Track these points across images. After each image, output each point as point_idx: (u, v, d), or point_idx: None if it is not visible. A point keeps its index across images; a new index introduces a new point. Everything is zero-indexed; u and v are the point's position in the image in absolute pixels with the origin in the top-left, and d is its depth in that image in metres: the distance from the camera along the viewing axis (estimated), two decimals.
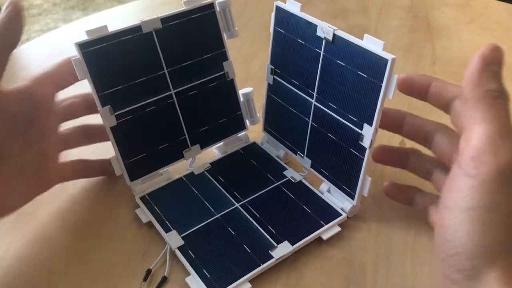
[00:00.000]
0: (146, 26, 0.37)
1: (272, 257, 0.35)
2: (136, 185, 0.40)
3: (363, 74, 0.34)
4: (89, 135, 0.42)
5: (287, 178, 0.41)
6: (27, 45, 0.70)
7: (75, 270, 0.36)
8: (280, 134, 0.44)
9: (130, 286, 0.35)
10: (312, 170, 0.41)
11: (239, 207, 0.39)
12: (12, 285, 0.35)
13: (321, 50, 0.37)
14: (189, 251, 0.35)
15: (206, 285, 0.33)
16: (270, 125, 0.44)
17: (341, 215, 0.38)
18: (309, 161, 0.41)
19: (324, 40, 0.36)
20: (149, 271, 0.35)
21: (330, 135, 0.38)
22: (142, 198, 0.40)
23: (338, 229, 0.37)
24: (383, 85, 0.33)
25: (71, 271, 0.36)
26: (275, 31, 0.40)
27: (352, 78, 0.35)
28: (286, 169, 0.42)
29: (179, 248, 0.36)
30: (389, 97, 0.33)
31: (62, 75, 0.38)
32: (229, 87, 0.42)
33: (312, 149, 0.40)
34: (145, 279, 0.35)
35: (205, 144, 0.43)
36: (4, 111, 0.34)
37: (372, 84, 0.33)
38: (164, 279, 0.35)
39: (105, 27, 0.35)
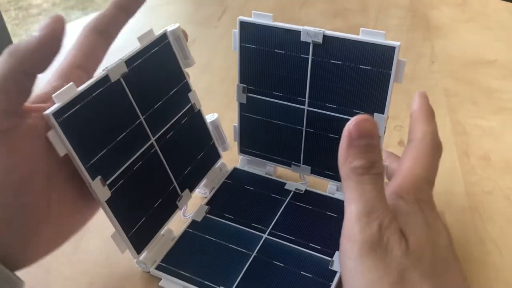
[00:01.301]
0: (113, 73, 0.32)
1: (335, 272, 0.33)
2: (145, 258, 0.35)
3: (366, 67, 0.34)
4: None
5: (292, 192, 0.40)
6: None
7: None
8: (264, 151, 0.42)
9: None
10: (313, 176, 0.40)
11: (268, 236, 0.37)
12: None
13: (308, 55, 0.36)
14: None
15: None
16: (249, 146, 0.42)
17: None
18: (309, 168, 0.40)
19: (311, 44, 0.36)
20: None
21: (332, 135, 0.38)
22: (159, 268, 0.35)
23: None
24: (392, 72, 0.34)
25: None
26: (242, 48, 0.38)
27: (351, 74, 0.35)
28: (285, 183, 0.41)
29: None
30: (399, 82, 0.34)
31: (91, 55, 0.33)
32: (198, 118, 0.40)
33: (310, 155, 0.40)
34: None
35: (192, 186, 0.39)
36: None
37: (379, 74, 0.34)
38: None
39: (72, 86, 0.30)
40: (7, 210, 0.28)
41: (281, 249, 0.36)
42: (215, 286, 0.33)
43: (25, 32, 2.25)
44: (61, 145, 0.29)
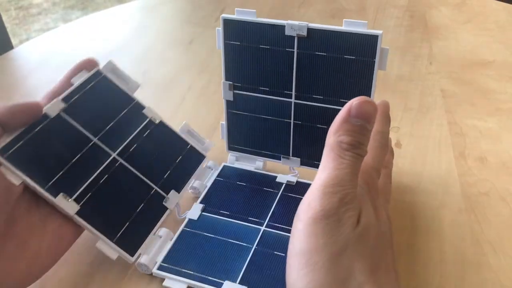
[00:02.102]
0: (51, 111, 0.36)
1: None
2: (145, 260, 0.35)
3: (351, 56, 0.35)
4: None
5: (284, 184, 0.41)
6: (24, 45, 0.70)
7: None
8: (253, 147, 0.42)
9: None
10: (303, 167, 0.41)
11: (266, 228, 0.37)
12: None
13: (293, 48, 0.37)
14: None
15: None
16: (237, 142, 0.43)
17: None
18: (298, 160, 0.41)
19: (296, 38, 0.36)
20: None
21: (319, 126, 0.39)
22: (161, 268, 0.35)
23: None
24: (376, 60, 0.35)
25: None
26: (226, 45, 0.39)
27: (336, 64, 0.36)
28: (276, 176, 0.42)
29: None
30: (383, 69, 0.35)
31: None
32: (162, 129, 0.41)
33: (299, 147, 0.40)
34: None
35: (178, 187, 0.40)
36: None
37: (363, 62, 0.35)
38: None
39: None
40: None
41: (280, 239, 0.36)
42: (220, 280, 0.34)
43: (25, 32, 2.25)
44: (15, 175, 0.32)
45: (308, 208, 0.27)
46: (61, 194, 0.34)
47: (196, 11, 0.75)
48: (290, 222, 0.36)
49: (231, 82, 0.40)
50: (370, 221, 0.28)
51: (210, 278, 0.34)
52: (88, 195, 0.35)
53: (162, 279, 0.35)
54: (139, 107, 0.41)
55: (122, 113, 0.40)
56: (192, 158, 0.42)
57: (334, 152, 0.28)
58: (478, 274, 0.34)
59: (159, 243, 0.36)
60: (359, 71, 0.35)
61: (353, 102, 0.29)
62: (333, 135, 0.29)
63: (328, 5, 0.74)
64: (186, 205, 0.40)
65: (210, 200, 0.40)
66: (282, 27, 0.36)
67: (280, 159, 0.42)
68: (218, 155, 0.44)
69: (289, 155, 0.41)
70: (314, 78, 0.37)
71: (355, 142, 0.28)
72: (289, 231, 0.36)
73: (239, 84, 0.40)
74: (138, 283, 0.35)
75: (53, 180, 0.34)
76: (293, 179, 0.41)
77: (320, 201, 0.27)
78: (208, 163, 0.43)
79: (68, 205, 0.34)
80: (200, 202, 0.40)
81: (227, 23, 0.38)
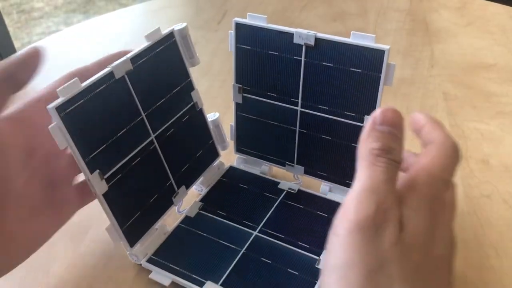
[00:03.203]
0: (118, 70, 0.33)
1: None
2: (137, 250, 0.35)
3: (357, 70, 0.35)
4: None
5: (285, 191, 0.41)
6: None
7: None
8: (259, 151, 0.43)
9: None
10: (306, 176, 0.41)
11: (258, 234, 0.37)
12: None
13: (301, 57, 0.37)
14: None
15: None
16: (245, 145, 0.43)
17: None
18: (302, 168, 0.41)
19: (304, 46, 0.36)
20: None
21: (324, 137, 0.38)
22: (150, 261, 0.36)
23: None
24: (382, 75, 0.34)
25: None
26: (237, 49, 0.39)
27: (342, 76, 0.35)
28: (279, 182, 0.42)
29: None
30: (389, 85, 0.34)
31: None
32: (199, 117, 0.40)
33: (304, 156, 0.40)
34: None
35: (188, 183, 0.40)
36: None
37: (369, 77, 0.34)
38: None
39: (76, 81, 0.31)
40: None
41: (270, 246, 0.36)
42: (203, 280, 0.34)
43: (27, 35, 2.26)
44: (62, 138, 0.30)
45: (342, 219, 0.26)
46: (98, 171, 0.32)
47: (198, 15, 0.76)
48: (283, 230, 0.37)
49: (240, 85, 0.40)
50: (419, 238, 0.26)
51: (194, 276, 0.34)
52: (118, 177, 0.33)
53: (149, 272, 0.35)
54: (190, 87, 0.39)
55: (175, 90, 0.38)
56: (208, 155, 0.42)
57: (367, 160, 0.27)
58: (480, 277, 0.34)
59: (154, 235, 0.37)
60: (365, 84, 0.35)
61: (376, 112, 0.28)
62: (362, 145, 0.28)
63: (330, 8, 0.74)
64: (186, 200, 0.40)
65: (210, 199, 0.41)
66: (290, 35, 0.36)
67: (284, 166, 0.42)
68: (225, 155, 0.44)
69: (294, 163, 0.41)
70: (320, 88, 0.37)
71: (386, 147, 0.27)
72: (281, 239, 0.37)
73: (248, 88, 0.40)
74: (126, 271, 0.36)
75: (94, 153, 0.32)
76: (295, 187, 0.41)
77: (355, 210, 0.25)
78: (217, 162, 0.43)
79: (100, 184, 0.32)
80: (200, 200, 0.40)
81: (239, 27, 0.38)
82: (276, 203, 0.40)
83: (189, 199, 0.40)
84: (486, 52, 0.62)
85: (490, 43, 0.64)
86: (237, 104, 0.41)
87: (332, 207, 0.39)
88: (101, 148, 0.32)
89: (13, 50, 1.56)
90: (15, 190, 0.31)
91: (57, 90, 0.30)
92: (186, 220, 0.39)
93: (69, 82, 0.30)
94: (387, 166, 0.27)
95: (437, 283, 0.26)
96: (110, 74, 0.33)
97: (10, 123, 0.32)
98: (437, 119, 0.32)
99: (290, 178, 0.42)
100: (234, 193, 0.41)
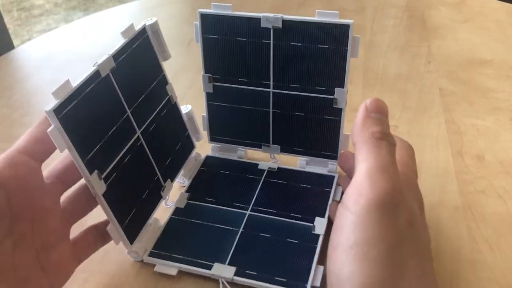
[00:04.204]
0: (103, 68, 0.33)
1: (319, 235, 0.36)
2: (137, 247, 0.35)
3: (325, 46, 0.37)
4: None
5: (266, 170, 0.43)
6: (24, 46, 0.70)
7: None
8: (234, 137, 0.44)
9: None
10: (282, 154, 0.43)
11: (251, 212, 0.39)
12: None
13: (269, 40, 0.38)
14: (247, 271, 0.34)
15: (287, 286, 0.33)
16: (218, 133, 0.44)
17: (334, 176, 0.41)
18: (278, 147, 0.42)
19: (272, 29, 0.38)
20: None
21: (298, 114, 0.40)
22: (152, 255, 0.36)
23: (340, 188, 0.40)
24: (349, 48, 0.36)
25: None
26: (204, 39, 0.40)
27: (311, 53, 0.37)
28: (258, 163, 0.43)
29: (237, 274, 0.34)
30: (355, 56, 0.37)
31: (42, 140, 0.30)
32: (175, 110, 0.41)
33: (279, 135, 0.42)
34: None
35: (172, 176, 0.40)
36: None
37: (336, 51, 0.37)
38: None
39: (68, 82, 0.30)
40: None
41: (265, 222, 0.38)
42: (210, 263, 0.35)
43: (27, 33, 2.26)
44: (62, 141, 0.29)
45: (358, 197, 0.26)
46: (96, 171, 0.32)
47: (195, 12, 0.75)
48: (274, 205, 0.39)
49: (210, 75, 0.41)
50: (417, 223, 0.27)
51: (200, 261, 0.35)
52: (114, 175, 0.34)
53: (153, 265, 0.36)
54: (164, 81, 0.40)
55: (152, 85, 0.39)
56: (185, 147, 0.43)
57: (369, 143, 0.28)
58: (474, 271, 0.34)
59: (149, 230, 0.37)
60: (333, 59, 0.37)
61: (366, 102, 0.30)
62: (361, 131, 0.29)
63: (328, 5, 0.74)
64: (172, 194, 0.41)
65: (195, 189, 0.42)
66: (258, 20, 0.38)
67: (261, 147, 0.43)
68: (199, 146, 0.45)
69: (270, 143, 0.43)
70: (290, 67, 0.39)
71: (385, 131, 0.29)
72: (274, 213, 0.38)
73: (218, 76, 0.41)
74: (129, 269, 0.36)
75: (91, 153, 0.31)
76: (274, 166, 0.43)
77: (370, 188, 0.26)
78: (194, 153, 0.44)
79: (100, 184, 0.32)
80: (186, 191, 0.42)
81: (204, 17, 0.39)
82: (260, 182, 0.41)
83: (174, 193, 0.41)
84: (483, 48, 0.62)
85: (487, 39, 0.64)
86: (207, 94, 0.42)
87: (313, 178, 0.41)
88: (96, 148, 0.32)
89: (12, 48, 1.56)
90: (1, 263, 0.28)
91: (52, 92, 0.29)
92: (177, 211, 0.40)
93: (61, 84, 0.30)
94: (390, 147, 0.28)
95: (430, 265, 0.28)
96: (97, 73, 0.33)
97: None
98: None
99: (267, 158, 0.44)
100: (217, 180, 0.42)
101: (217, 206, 0.40)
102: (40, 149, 0.30)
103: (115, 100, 0.34)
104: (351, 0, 0.75)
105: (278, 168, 0.43)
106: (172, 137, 0.41)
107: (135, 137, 0.36)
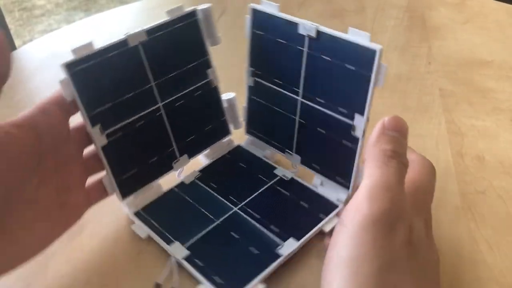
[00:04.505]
0: (132, 39, 0.36)
1: (280, 255, 0.35)
2: (128, 202, 0.39)
3: (351, 67, 0.35)
4: None
5: (278, 177, 0.42)
6: (26, 47, 0.71)
7: None
8: (265, 135, 0.44)
9: None
10: (302, 166, 0.41)
11: (238, 210, 0.39)
12: None
13: (304, 48, 0.37)
14: (196, 260, 0.35)
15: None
16: (254, 127, 0.45)
17: (338, 206, 0.39)
18: (299, 158, 0.41)
19: (307, 38, 0.37)
20: (158, 286, 0.34)
21: (320, 130, 0.39)
22: (137, 214, 0.39)
23: (335, 220, 0.38)
24: (373, 75, 0.33)
25: None
26: (252, 33, 0.40)
27: (339, 71, 0.35)
28: (276, 167, 0.43)
29: (186, 259, 0.35)
30: (379, 86, 0.34)
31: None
32: (214, 94, 0.43)
33: (301, 146, 0.41)
34: None
35: (192, 153, 0.42)
36: (6, 152, 0.30)
37: (361, 75, 0.34)
38: None
39: (90, 44, 0.34)
40: None
41: (243, 223, 0.38)
42: (173, 240, 0.37)
43: (28, 33, 2.26)
44: (69, 92, 0.34)
45: (355, 213, 0.26)
46: (99, 125, 0.36)
47: None
48: (261, 211, 0.39)
49: (253, 69, 0.42)
50: (421, 242, 0.26)
51: (167, 234, 0.37)
52: (119, 134, 0.37)
53: (132, 223, 0.39)
54: (207, 64, 0.42)
55: (191, 65, 0.40)
56: (218, 131, 0.44)
57: (379, 160, 0.28)
58: (474, 272, 0.35)
59: (148, 193, 0.40)
60: (357, 83, 0.35)
61: (385, 119, 0.30)
62: (374, 146, 0.29)
63: (328, 5, 0.74)
64: (188, 167, 0.43)
65: (208, 171, 0.43)
66: (296, 25, 0.37)
67: (284, 153, 0.43)
68: (238, 134, 0.46)
69: (292, 151, 0.42)
70: (319, 80, 0.37)
71: (398, 150, 0.28)
72: (256, 219, 0.38)
73: (260, 72, 0.42)
74: (124, 221, 0.40)
75: (98, 110, 0.36)
76: (289, 175, 0.42)
77: (369, 205, 0.26)
78: (227, 138, 0.45)
79: (100, 138, 0.36)
80: (200, 171, 0.43)
81: (254, 12, 0.40)
82: (266, 186, 0.41)
83: (190, 167, 0.43)
84: (483, 48, 0.62)
85: (487, 39, 0.64)
86: (249, 87, 0.43)
87: (316, 200, 0.39)
88: (105, 107, 0.36)
89: (14, 48, 1.56)
90: (25, 194, 0.31)
91: (71, 49, 0.33)
92: (181, 185, 0.42)
93: (84, 43, 0.34)
94: (399, 167, 0.28)
95: (432, 286, 0.27)
96: (124, 42, 0.36)
97: (20, 130, 0.31)
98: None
99: (290, 166, 0.43)
100: (231, 170, 0.43)
101: (213, 193, 0.41)
102: (70, 103, 0.34)
103: (140, 70, 0.37)
104: (352, 0, 0.76)
105: (292, 178, 0.42)
106: (202, 117, 0.42)
107: (155, 107, 0.39)
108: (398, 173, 0.27)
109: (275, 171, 0.42)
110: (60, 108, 0.34)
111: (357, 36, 0.34)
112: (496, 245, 0.36)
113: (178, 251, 0.36)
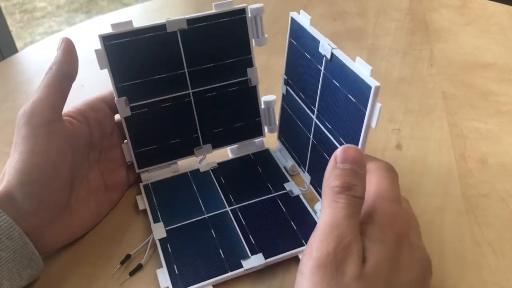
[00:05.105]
0: (171, 25, 0.38)
1: (241, 266, 0.35)
2: (143, 173, 0.42)
3: (352, 98, 0.33)
4: None
5: (285, 191, 0.41)
6: (28, 49, 0.71)
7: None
8: (289, 145, 0.44)
9: (108, 265, 0.37)
10: (311, 186, 0.40)
11: (229, 211, 0.39)
12: None
13: (322, 67, 0.36)
14: (168, 244, 0.36)
15: (171, 280, 0.34)
16: (283, 135, 0.44)
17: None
18: (309, 177, 0.40)
19: (324, 57, 0.35)
20: (128, 256, 0.37)
21: (325, 155, 0.38)
22: (145, 186, 0.42)
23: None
24: (367, 112, 0.31)
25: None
26: (289, 42, 0.40)
27: (344, 100, 0.34)
28: (288, 181, 0.42)
29: (160, 240, 0.37)
30: (372, 126, 0.31)
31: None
32: (251, 93, 0.43)
33: (312, 166, 0.40)
34: (122, 262, 0.36)
35: (217, 144, 0.44)
36: (74, 141, 0.37)
37: (358, 109, 0.32)
38: (140, 267, 0.36)
39: (130, 22, 0.37)
40: (38, 188, 0.34)
41: (227, 225, 0.38)
42: (159, 220, 0.39)
43: (29, 35, 2.26)
44: (102, 62, 0.37)
45: (307, 258, 0.27)
46: (125, 97, 0.39)
47: None
48: (249, 220, 0.38)
49: (286, 77, 0.42)
50: (382, 269, 0.26)
51: (157, 212, 0.39)
52: (144, 110, 0.40)
53: (138, 194, 0.42)
54: (248, 63, 0.42)
55: (229, 61, 0.41)
56: (251, 130, 0.45)
57: (328, 199, 0.28)
58: (478, 276, 0.34)
59: (164, 170, 0.43)
60: (354, 116, 0.33)
61: (337, 150, 0.29)
62: (324, 184, 0.29)
63: (330, 8, 0.74)
64: (211, 156, 0.45)
65: (225, 167, 0.44)
66: (318, 42, 0.36)
67: (300, 167, 0.42)
68: (271, 138, 0.46)
69: (305, 170, 0.41)
70: (328, 104, 0.36)
71: (346, 184, 0.28)
72: (241, 225, 0.38)
73: (291, 82, 0.42)
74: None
75: (127, 83, 0.39)
76: (296, 192, 0.41)
77: (317, 248, 0.26)
78: (259, 140, 0.45)
79: (124, 109, 0.39)
80: (218, 163, 0.44)
81: (293, 22, 0.39)
82: (268, 196, 0.41)
83: (214, 157, 0.44)
84: (485, 51, 0.62)
85: (489, 42, 0.64)
86: (282, 95, 0.43)
87: (308, 224, 0.38)
88: (134, 82, 0.39)
89: (15, 50, 1.56)
90: (80, 174, 0.38)
91: (111, 24, 0.37)
92: (195, 172, 0.43)
93: (123, 21, 0.37)
94: (347, 202, 0.28)
95: None
96: (162, 27, 0.38)
97: (79, 122, 0.38)
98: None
99: (303, 183, 0.42)
100: (246, 171, 0.43)
101: (217, 188, 0.41)
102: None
103: (175, 55, 0.39)
104: (353, 3, 0.76)
105: (297, 196, 0.40)
106: (234, 113, 0.43)
107: (184, 92, 0.41)
108: (346, 207, 0.27)
109: (285, 184, 0.41)
110: (107, 105, 0.40)
111: (361, 67, 0.31)
112: (499, 249, 0.36)
113: (158, 231, 0.38)
